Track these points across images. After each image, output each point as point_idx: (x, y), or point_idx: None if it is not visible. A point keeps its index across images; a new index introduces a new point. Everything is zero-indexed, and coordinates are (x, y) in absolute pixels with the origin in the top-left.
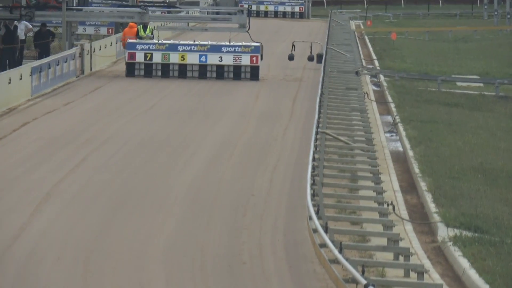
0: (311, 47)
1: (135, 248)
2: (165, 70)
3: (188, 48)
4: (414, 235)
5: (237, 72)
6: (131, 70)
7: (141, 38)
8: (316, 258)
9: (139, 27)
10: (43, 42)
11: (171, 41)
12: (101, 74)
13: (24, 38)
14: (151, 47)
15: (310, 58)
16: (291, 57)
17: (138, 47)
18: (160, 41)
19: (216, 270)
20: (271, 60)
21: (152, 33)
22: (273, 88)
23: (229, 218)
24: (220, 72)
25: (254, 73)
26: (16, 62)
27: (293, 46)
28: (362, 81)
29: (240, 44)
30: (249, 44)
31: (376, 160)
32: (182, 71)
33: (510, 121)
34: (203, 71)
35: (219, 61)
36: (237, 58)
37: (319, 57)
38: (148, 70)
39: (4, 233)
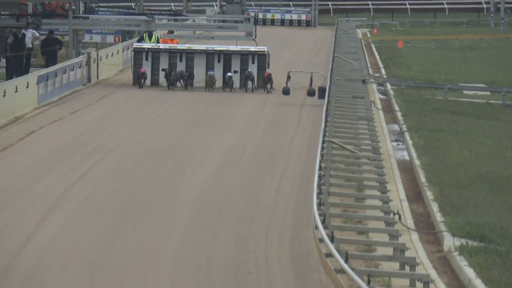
0: (311, 79)
1: (141, 257)
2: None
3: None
4: (420, 245)
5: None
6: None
7: None
8: (322, 268)
9: (144, 35)
10: (50, 50)
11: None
12: (108, 83)
13: (31, 46)
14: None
15: (310, 93)
16: (286, 91)
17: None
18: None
19: (222, 279)
20: (277, 69)
21: (158, 41)
22: (279, 96)
23: (235, 227)
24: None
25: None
26: (23, 70)
27: (288, 77)
28: (368, 90)
29: (247, 50)
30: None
31: (382, 169)
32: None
33: None
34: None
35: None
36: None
37: (322, 91)
38: (155, 79)
39: (11, 242)
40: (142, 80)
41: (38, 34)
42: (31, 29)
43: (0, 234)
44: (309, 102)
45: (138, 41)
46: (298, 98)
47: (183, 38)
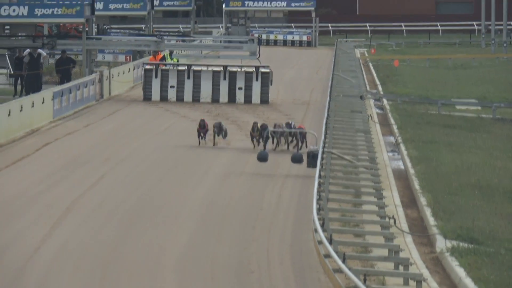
0: (297, 138)
1: (149, 259)
2: (180, 95)
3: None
4: (414, 247)
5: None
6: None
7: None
8: (321, 268)
9: (165, 54)
10: (64, 68)
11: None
12: (119, 99)
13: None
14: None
15: (296, 159)
16: (262, 157)
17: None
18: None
19: (226, 279)
20: (280, 85)
21: (178, 60)
22: (282, 111)
23: (239, 231)
24: (232, 96)
25: (264, 97)
26: (36, 88)
27: (267, 137)
28: (366, 105)
29: (251, 69)
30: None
31: (379, 177)
32: (196, 96)
33: (506, 141)
34: (216, 96)
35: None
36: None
37: (312, 157)
38: (164, 95)
39: (26, 245)
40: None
41: (45, 54)
42: (40, 49)
43: (16, 237)
44: (317, 88)
45: (161, 59)
46: (307, 90)
47: (191, 57)
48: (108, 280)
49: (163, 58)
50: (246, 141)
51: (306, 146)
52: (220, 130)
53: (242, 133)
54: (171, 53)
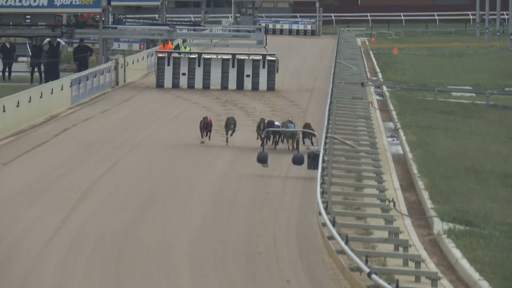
0: (297, 139)
1: (163, 240)
2: (191, 82)
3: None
4: (413, 229)
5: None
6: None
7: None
8: (325, 249)
9: (179, 42)
10: (82, 56)
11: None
12: (133, 86)
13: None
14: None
15: (297, 160)
16: (261, 159)
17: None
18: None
19: (235, 259)
20: (285, 73)
21: (190, 48)
22: (287, 97)
23: (247, 214)
24: (240, 83)
25: (270, 84)
26: (55, 76)
27: (265, 137)
28: (367, 92)
29: (258, 57)
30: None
31: (379, 161)
32: (206, 83)
33: (500, 127)
34: (225, 83)
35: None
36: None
37: (313, 158)
38: (176, 82)
39: (47, 226)
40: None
41: (64, 43)
42: (58, 38)
43: (36, 219)
44: (321, 76)
45: (175, 48)
46: (311, 78)
47: (201, 45)
48: (124, 260)
49: (177, 46)
50: (253, 126)
51: (312, 144)
52: (230, 127)
53: (250, 119)
54: (184, 41)
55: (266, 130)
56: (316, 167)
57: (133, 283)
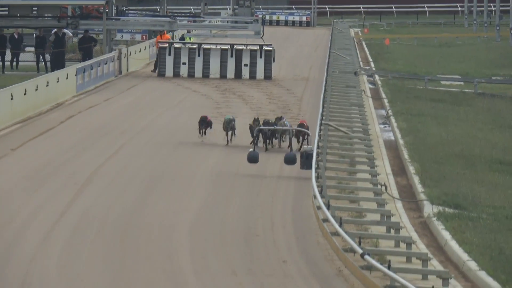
0: (290, 138)
1: (165, 222)
2: (191, 71)
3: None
4: (404, 212)
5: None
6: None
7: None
8: (320, 231)
9: (183, 33)
10: (86, 46)
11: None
12: (136, 74)
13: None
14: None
15: (289, 159)
16: (252, 158)
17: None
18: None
19: (234, 241)
20: (281, 62)
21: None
22: (284, 86)
23: (245, 197)
24: (238, 72)
25: (267, 73)
26: (60, 65)
27: (257, 135)
28: (360, 80)
29: (255, 47)
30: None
31: (371, 147)
32: (206, 72)
33: (487, 114)
34: (223, 72)
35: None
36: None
37: (306, 157)
38: (177, 71)
39: (53, 209)
40: (204, 129)
41: (71, 34)
42: (65, 29)
43: (43, 203)
44: (316, 65)
45: (180, 39)
46: (306, 67)
47: (201, 36)
48: (128, 242)
49: (182, 37)
50: (252, 114)
51: (308, 144)
52: (230, 128)
53: (248, 107)
54: (188, 32)
55: (257, 128)
56: (309, 167)
57: (136, 264)
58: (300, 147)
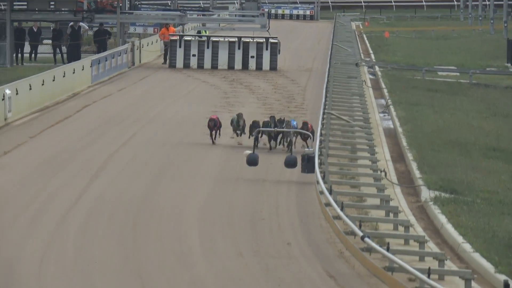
0: (289, 140)
1: (175, 207)
2: (200, 62)
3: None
4: (402, 196)
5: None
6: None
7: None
8: (322, 215)
9: (201, 30)
10: (101, 39)
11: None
12: (148, 66)
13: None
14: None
15: (290, 162)
16: (252, 161)
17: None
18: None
19: (240, 224)
20: (286, 54)
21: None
22: (288, 76)
23: (251, 183)
24: (245, 63)
25: (273, 64)
26: (76, 57)
27: (256, 140)
28: (360, 71)
29: (261, 40)
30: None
31: (371, 135)
32: (214, 63)
33: (481, 103)
34: (231, 63)
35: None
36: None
37: (308, 160)
38: (187, 63)
39: (69, 195)
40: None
41: (87, 27)
42: (81, 23)
43: (60, 187)
44: (319, 57)
45: (197, 33)
46: (310, 59)
47: (210, 29)
48: (140, 225)
49: (199, 31)
50: (258, 103)
51: (308, 147)
52: (239, 126)
53: (254, 96)
54: (203, 25)
55: (257, 130)
56: (311, 171)
57: (148, 246)
58: (306, 143)
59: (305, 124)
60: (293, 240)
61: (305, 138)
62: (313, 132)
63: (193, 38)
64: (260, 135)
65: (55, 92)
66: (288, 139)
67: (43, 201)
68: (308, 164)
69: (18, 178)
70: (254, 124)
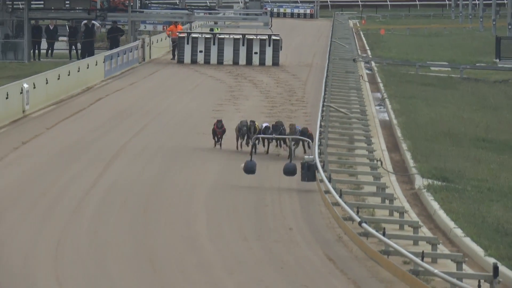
0: (290, 148)
1: (183, 193)
2: (207, 58)
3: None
4: (397, 184)
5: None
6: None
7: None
8: (322, 202)
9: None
10: (114, 36)
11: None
12: (157, 61)
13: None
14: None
15: (289, 170)
16: (249, 169)
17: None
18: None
19: (245, 210)
20: (288, 51)
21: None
22: (290, 71)
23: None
24: (249, 59)
25: (275, 60)
26: (90, 53)
27: (253, 147)
28: (358, 66)
29: (264, 37)
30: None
31: (368, 127)
32: (220, 59)
33: (471, 97)
34: (236, 59)
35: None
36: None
37: (308, 168)
38: (194, 58)
39: (84, 182)
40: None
41: (99, 25)
42: (94, 21)
43: (75, 176)
44: (320, 51)
45: (210, 30)
46: (310, 55)
47: (216, 26)
48: (151, 210)
49: (212, 29)
50: (261, 96)
51: (305, 152)
52: (245, 133)
53: (258, 90)
54: (215, 23)
55: (255, 136)
56: (311, 179)
57: (158, 231)
58: (305, 149)
59: (304, 129)
60: (295, 225)
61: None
62: (311, 137)
63: (200, 35)
64: (257, 141)
65: (70, 86)
66: (289, 144)
67: (59, 188)
68: (308, 172)
69: (35, 167)
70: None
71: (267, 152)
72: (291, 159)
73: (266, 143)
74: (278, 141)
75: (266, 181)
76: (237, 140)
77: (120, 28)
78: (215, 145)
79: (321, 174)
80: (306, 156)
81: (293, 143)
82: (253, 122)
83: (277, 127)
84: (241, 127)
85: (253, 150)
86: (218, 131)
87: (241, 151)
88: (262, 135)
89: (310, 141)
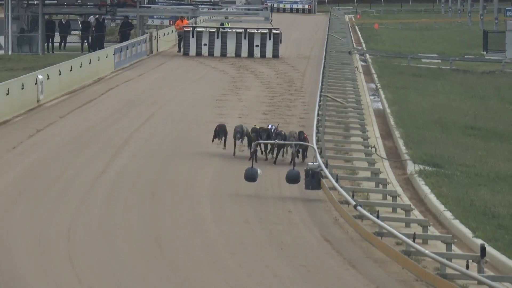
0: (292, 153)
1: (188, 179)
2: (211, 51)
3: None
4: (390, 170)
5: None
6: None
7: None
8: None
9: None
10: (124, 30)
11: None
12: (164, 54)
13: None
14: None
15: (292, 178)
16: (250, 176)
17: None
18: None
19: (247, 195)
20: (287, 44)
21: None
22: (289, 63)
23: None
24: (250, 52)
25: (275, 53)
26: (100, 46)
27: (254, 151)
28: (353, 58)
29: (265, 31)
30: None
31: (363, 115)
32: (223, 51)
33: (460, 87)
34: (238, 52)
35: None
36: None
37: (312, 175)
38: (199, 51)
39: (95, 168)
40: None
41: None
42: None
43: (86, 162)
44: (317, 45)
45: (220, 25)
46: (308, 48)
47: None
48: (157, 196)
49: (222, 24)
50: (261, 87)
51: (303, 160)
52: (241, 135)
53: (259, 81)
54: (226, 18)
55: (255, 142)
56: (316, 187)
57: (164, 214)
58: (303, 158)
59: (301, 133)
60: (294, 208)
61: (303, 150)
62: (306, 140)
63: (204, 29)
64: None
65: (82, 77)
66: (289, 152)
67: (71, 173)
68: (313, 180)
69: (49, 153)
70: (254, 132)
71: (267, 158)
72: (294, 165)
73: (266, 148)
74: (283, 149)
75: (267, 166)
76: (234, 146)
77: (131, 23)
78: (212, 141)
79: (319, 160)
80: (310, 163)
81: (295, 148)
82: (241, 126)
83: (265, 131)
84: (235, 134)
85: (254, 157)
86: (221, 133)
87: (241, 146)
88: (263, 141)
89: (314, 147)
